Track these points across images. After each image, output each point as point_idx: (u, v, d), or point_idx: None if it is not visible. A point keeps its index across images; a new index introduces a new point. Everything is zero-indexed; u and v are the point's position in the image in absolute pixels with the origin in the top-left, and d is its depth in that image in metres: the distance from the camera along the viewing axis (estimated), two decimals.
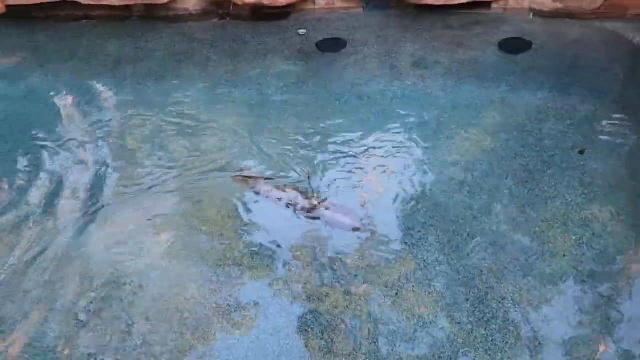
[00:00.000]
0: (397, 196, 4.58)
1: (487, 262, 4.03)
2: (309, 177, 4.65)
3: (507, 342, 3.58)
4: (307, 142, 5.12)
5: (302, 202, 4.51)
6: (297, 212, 4.45)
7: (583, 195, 4.46)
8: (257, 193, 4.63)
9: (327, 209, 4.44)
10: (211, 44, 6.51)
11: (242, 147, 5.11)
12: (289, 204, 4.51)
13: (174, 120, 5.45)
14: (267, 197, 4.59)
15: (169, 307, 3.87)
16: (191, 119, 5.45)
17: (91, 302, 3.92)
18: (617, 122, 5.09)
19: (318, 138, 5.16)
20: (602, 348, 3.49)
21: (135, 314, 3.84)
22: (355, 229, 4.30)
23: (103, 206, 4.62)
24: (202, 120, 5.44)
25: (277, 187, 4.66)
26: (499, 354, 3.52)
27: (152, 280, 4.03)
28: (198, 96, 5.74)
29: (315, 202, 4.46)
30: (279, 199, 4.56)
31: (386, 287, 3.91)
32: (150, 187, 4.77)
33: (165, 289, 3.98)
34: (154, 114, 5.53)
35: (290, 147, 5.07)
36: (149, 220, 4.47)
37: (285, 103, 5.60)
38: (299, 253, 4.17)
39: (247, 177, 4.73)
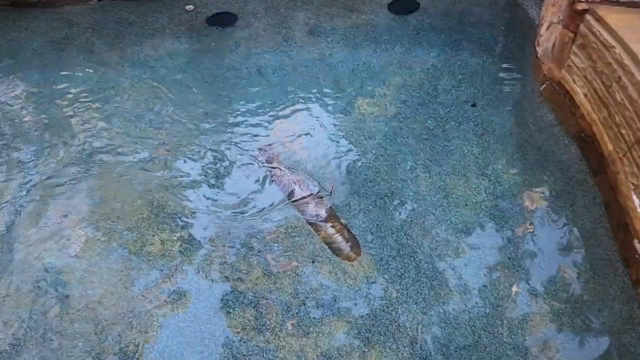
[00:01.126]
0: (304, 166, 4.59)
1: (397, 221, 4.16)
2: (332, 192, 4.40)
3: (420, 293, 3.74)
4: (210, 121, 4.98)
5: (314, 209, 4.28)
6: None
7: (478, 146, 4.69)
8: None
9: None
10: (93, 28, 6.09)
11: (140, 132, 4.88)
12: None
13: (66, 110, 5.09)
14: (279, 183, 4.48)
15: (87, 301, 3.68)
16: (85, 107, 5.11)
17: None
18: (504, 73, 5.38)
19: (220, 116, 5.03)
20: (514, 289, 3.73)
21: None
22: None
23: None
24: (96, 108, 5.12)
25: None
26: (414, 305, 3.68)
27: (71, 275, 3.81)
28: (87, 84, 5.38)
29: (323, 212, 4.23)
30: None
31: (305, 256, 3.95)
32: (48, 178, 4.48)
33: (83, 283, 3.78)
34: (45, 107, 5.13)
35: (193, 127, 4.91)
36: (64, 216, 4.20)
37: (181, 84, 5.39)
38: (216, 239, 4.11)
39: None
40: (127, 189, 4.43)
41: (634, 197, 3.62)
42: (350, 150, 4.72)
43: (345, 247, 4.01)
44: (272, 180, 4.49)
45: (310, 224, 4.15)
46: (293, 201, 4.29)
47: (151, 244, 4.04)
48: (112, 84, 5.38)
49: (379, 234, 4.08)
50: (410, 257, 3.94)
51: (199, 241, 4.07)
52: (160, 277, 3.85)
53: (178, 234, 4.11)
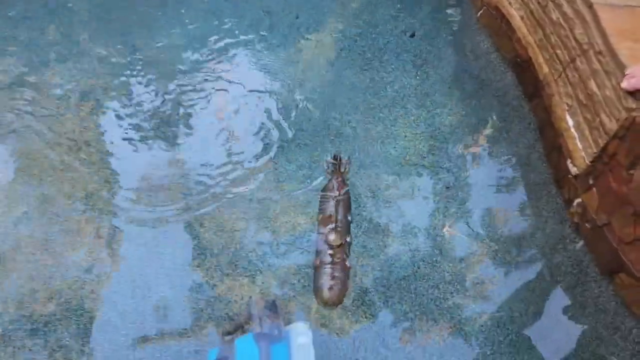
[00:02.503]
0: (240, 110, 4.39)
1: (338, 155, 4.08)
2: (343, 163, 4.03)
3: (363, 230, 3.72)
4: (127, 60, 4.65)
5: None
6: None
7: (417, 77, 4.60)
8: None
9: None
10: None
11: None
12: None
13: None
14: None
15: None
16: None
17: None
18: (443, 2, 5.25)
19: (143, 55, 4.70)
20: (445, 230, 3.75)
21: None
22: None
23: None
24: None
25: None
26: (361, 247, 3.67)
27: None
28: None
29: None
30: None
31: (247, 198, 3.82)
32: None
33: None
34: None
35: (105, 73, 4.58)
36: None
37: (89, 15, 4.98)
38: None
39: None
40: None
41: (568, 118, 3.66)
42: (287, 86, 4.54)
43: (325, 287, 3.41)
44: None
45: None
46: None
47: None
48: None
49: (315, 168, 3.99)
50: (355, 197, 3.88)
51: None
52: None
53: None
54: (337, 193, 3.81)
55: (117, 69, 4.57)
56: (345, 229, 3.64)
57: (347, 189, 3.88)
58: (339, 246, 3.53)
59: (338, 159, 4.04)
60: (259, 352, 2.61)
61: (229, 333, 2.94)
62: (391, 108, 4.39)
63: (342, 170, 4.00)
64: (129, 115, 4.28)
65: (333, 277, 3.41)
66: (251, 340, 2.69)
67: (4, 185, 3.80)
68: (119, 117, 4.27)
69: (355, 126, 4.25)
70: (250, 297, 3.36)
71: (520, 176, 3.99)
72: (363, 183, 3.93)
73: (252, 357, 2.59)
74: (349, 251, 3.59)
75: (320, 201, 3.81)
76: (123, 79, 4.50)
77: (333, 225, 3.63)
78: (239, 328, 2.96)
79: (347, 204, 3.79)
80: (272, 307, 3.00)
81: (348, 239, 3.61)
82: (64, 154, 3.97)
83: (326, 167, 4.02)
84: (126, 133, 4.18)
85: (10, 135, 4.07)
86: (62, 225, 3.61)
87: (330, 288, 3.38)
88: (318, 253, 3.53)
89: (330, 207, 3.73)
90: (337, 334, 3.27)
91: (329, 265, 3.45)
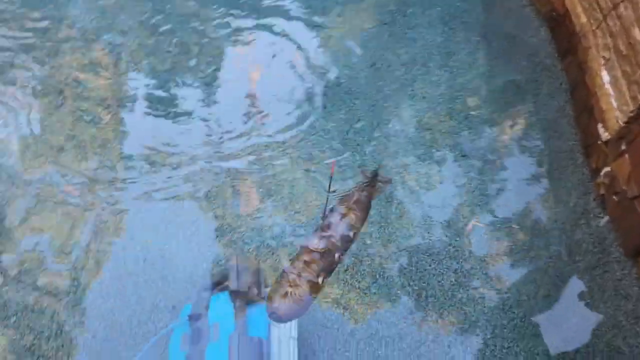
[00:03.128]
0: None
1: (352, 121, 3.76)
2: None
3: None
4: None
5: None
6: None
7: (443, 34, 4.18)
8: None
9: None
10: None
11: None
12: None
13: None
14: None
15: None
16: None
17: None
18: None
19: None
20: (472, 224, 3.37)
21: None
22: None
23: None
24: None
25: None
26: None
27: None
28: None
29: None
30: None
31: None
32: None
33: None
34: None
35: None
36: None
37: None
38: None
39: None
40: None
41: (604, 73, 3.27)
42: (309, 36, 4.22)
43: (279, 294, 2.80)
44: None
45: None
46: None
47: None
48: None
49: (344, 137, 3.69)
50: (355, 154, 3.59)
51: None
52: None
53: None
54: (350, 208, 3.18)
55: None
56: (336, 244, 3.00)
57: (362, 214, 3.23)
58: (320, 256, 2.91)
59: (375, 175, 3.43)
60: (234, 309, 2.49)
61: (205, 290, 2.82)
62: (410, 66, 3.99)
63: (374, 189, 3.40)
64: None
65: (292, 285, 2.78)
66: (227, 297, 2.57)
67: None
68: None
69: (367, 84, 3.90)
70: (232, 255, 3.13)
71: (546, 143, 3.59)
72: (370, 143, 3.61)
73: (226, 314, 2.47)
74: (330, 273, 2.97)
75: (331, 207, 3.24)
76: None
77: (321, 232, 3.03)
78: (217, 285, 2.79)
79: (356, 221, 3.15)
80: (253, 267, 2.90)
81: (337, 256, 2.97)
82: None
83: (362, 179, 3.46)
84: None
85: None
86: None
87: (285, 295, 2.74)
88: (297, 255, 2.99)
89: (335, 217, 3.13)
90: (354, 319, 3.02)
91: (294, 274, 2.84)
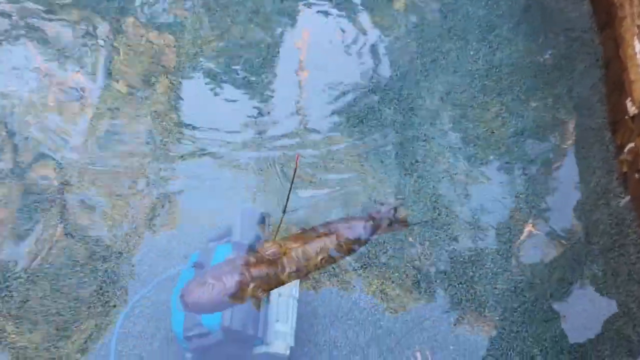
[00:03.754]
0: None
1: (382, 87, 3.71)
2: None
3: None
4: None
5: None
6: None
7: (486, 6, 4.01)
8: None
9: None
10: None
11: None
12: None
13: None
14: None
15: None
16: None
17: None
18: None
19: None
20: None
21: None
22: None
23: None
24: None
25: None
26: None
27: None
28: None
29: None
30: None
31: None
32: None
33: None
34: None
35: None
36: None
37: None
38: None
39: None
40: None
41: (636, 42, 3.17)
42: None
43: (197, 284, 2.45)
44: None
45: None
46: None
47: None
48: None
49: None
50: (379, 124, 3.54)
51: None
52: None
53: None
54: (338, 234, 2.63)
55: None
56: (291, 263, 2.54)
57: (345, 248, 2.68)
58: (267, 264, 2.49)
59: (394, 211, 2.86)
60: None
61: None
62: (446, 38, 3.88)
63: (384, 227, 2.83)
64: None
65: (214, 278, 2.42)
66: (230, 248, 2.61)
67: None
68: None
69: (397, 52, 3.83)
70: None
71: (575, 120, 3.43)
72: (397, 117, 3.55)
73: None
74: (269, 287, 2.54)
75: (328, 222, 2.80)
76: None
77: (272, 248, 2.54)
78: (224, 237, 2.81)
79: (333, 250, 2.61)
80: (261, 220, 2.85)
81: (287, 273, 2.53)
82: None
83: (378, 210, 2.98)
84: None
85: None
86: None
87: (203, 285, 2.41)
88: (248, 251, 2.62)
89: (313, 231, 2.69)
90: (392, 310, 2.99)
91: (228, 267, 2.47)
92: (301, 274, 2.54)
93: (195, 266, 2.58)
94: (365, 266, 3.05)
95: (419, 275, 3.02)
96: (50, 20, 3.81)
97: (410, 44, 3.86)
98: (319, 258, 2.54)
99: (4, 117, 3.41)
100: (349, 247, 2.64)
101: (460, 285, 2.99)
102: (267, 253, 2.49)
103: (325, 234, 2.58)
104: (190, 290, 2.37)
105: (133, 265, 3.03)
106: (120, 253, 3.04)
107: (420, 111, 3.57)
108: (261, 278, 2.45)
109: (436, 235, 3.13)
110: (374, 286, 3.01)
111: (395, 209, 2.83)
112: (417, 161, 3.37)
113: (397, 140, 3.45)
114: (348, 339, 2.88)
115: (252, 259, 2.47)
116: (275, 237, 2.63)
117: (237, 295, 2.41)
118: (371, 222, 2.70)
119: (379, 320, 2.93)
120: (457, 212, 3.21)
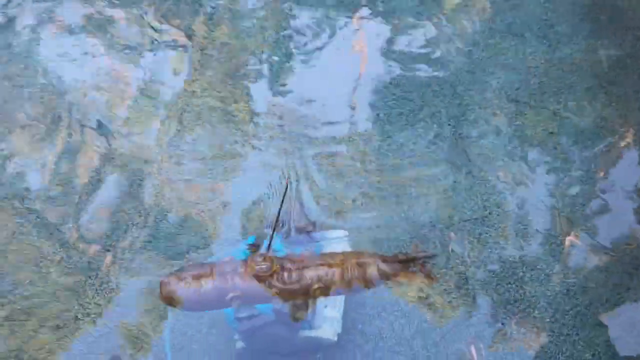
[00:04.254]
0: None
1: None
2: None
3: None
4: None
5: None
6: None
7: (546, 2, 3.92)
8: None
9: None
10: None
11: None
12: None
13: None
14: None
15: None
16: None
17: None
18: None
19: None
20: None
21: None
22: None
23: None
24: None
25: None
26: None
27: None
28: None
29: None
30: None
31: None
32: None
33: None
34: None
35: None
36: None
37: None
38: None
39: None
40: None
41: None
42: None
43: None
44: None
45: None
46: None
47: None
48: None
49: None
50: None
51: None
52: None
53: None
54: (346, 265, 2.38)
55: None
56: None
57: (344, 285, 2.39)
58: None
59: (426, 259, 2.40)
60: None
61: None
62: (504, 35, 3.82)
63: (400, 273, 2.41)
64: None
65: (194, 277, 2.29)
66: (279, 240, 2.63)
67: None
68: None
69: (453, 48, 3.78)
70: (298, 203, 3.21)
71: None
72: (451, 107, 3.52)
73: (280, 249, 2.55)
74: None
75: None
76: None
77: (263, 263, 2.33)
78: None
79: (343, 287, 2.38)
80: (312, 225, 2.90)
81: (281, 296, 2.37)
82: None
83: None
84: None
85: None
86: None
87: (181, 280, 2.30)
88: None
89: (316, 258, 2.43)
90: (438, 305, 2.97)
91: (207, 274, 2.31)
92: (286, 297, 2.33)
93: (250, 247, 2.62)
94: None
95: (467, 272, 2.98)
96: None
97: (468, 38, 3.82)
98: (315, 287, 2.32)
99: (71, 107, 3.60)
100: (351, 283, 2.35)
101: (509, 285, 2.94)
102: (256, 267, 2.30)
103: (330, 265, 2.34)
104: (168, 281, 2.27)
105: None
106: None
107: (475, 108, 3.52)
108: (243, 291, 2.29)
109: (486, 233, 3.09)
110: (421, 280, 2.99)
111: (429, 257, 2.36)
112: (469, 160, 3.34)
113: (451, 136, 3.42)
114: (394, 330, 2.88)
115: (241, 269, 2.31)
116: (268, 250, 2.39)
117: (212, 302, 2.30)
118: (388, 264, 2.34)
119: (424, 314, 2.92)
120: (509, 212, 3.16)
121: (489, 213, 3.16)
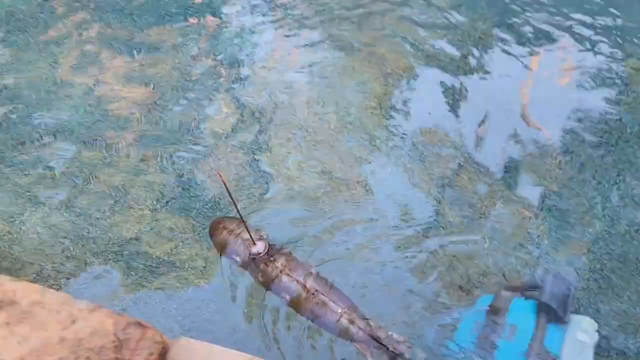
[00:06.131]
0: None
1: None
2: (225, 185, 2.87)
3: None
4: None
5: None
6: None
7: None
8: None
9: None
10: None
11: None
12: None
13: None
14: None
15: None
16: None
17: None
18: None
19: None
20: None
21: None
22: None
23: None
24: None
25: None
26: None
27: None
28: None
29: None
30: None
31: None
32: None
33: None
34: None
35: None
36: None
37: None
38: None
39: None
40: None
41: None
42: None
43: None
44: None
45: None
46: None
47: None
48: None
49: None
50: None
51: None
52: None
53: None
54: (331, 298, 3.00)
55: None
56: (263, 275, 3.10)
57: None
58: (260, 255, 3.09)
59: (406, 348, 2.82)
60: (535, 322, 2.50)
61: (510, 290, 2.77)
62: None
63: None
64: None
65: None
66: (532, 307, 2.57)
67: None
68: None
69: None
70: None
71: None
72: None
73: (526, 321, 2.52)
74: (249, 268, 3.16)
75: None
76: None
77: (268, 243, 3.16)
78: (519, 291, 2.75)
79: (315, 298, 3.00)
80: (566, 296, 2.63)
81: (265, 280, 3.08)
82: None
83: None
84: None
85: None
86: None
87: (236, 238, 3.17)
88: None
89: (301, 270, 3.09)
90: None
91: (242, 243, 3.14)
92: (268, 283, 3.00)
93: (491, 310, 2.62)
94: None
95: None
96: None
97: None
98: (295, 295, 2.95)
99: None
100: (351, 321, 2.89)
101: None
102: (259, 249, 3.07)
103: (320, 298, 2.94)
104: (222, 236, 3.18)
105: None
106: None
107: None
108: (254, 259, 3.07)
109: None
110: None
111: (409, 347, 2.76)
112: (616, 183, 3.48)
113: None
114: None
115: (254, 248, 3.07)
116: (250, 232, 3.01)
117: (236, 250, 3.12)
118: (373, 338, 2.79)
119: None
120: None
121: None
